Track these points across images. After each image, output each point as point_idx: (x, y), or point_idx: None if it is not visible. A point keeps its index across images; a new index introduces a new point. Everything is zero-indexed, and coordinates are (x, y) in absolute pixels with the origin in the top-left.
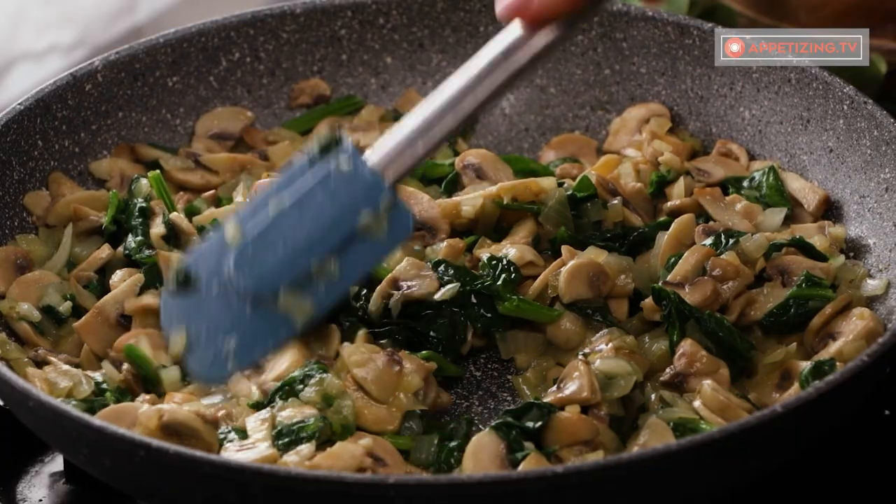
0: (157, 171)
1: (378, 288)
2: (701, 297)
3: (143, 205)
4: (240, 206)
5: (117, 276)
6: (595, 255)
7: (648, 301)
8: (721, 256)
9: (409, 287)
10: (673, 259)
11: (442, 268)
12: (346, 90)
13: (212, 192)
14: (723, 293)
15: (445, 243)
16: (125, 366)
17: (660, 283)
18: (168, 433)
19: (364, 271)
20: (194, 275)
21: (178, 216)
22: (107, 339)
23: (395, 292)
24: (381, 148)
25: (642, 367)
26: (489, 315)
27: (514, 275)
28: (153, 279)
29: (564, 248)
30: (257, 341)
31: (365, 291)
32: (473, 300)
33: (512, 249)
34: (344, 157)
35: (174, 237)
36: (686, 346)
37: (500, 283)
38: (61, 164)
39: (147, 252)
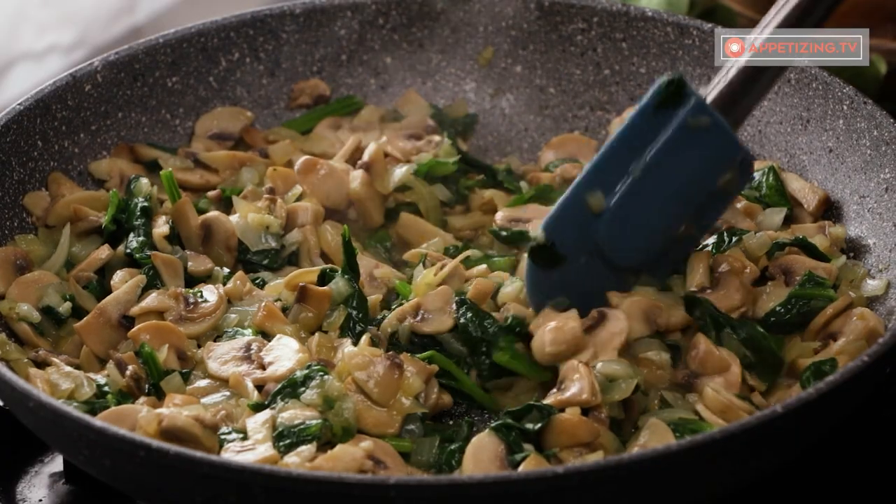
0: (170, 170)
1: (399, 309)
2: (728, 303)
3: (145, 204)
4: (586, 167)
5: (118, 276)
6: (644, 292)
7: None
8: (725, 254)
9: (422, 318)
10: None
11: (463, 309)
12: (345, 90)
13: (216, 191)
14: (753, 292)
15: (475, 284)
16: (129, 368)
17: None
18: (167, 438)
19: (712, 223)
20: (557, 244)
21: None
22: (108, 341)
23: (410, 320)
24: (721, 84)
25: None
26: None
27: (518, 328)
28: (155, 280)
29: (610, 294)
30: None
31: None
32: (483, 348)
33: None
34: (697, 110)
35: (177, 237)
36: (701, 346)
37: (502, 333)
38: (61, 164)
39: (149, 252)
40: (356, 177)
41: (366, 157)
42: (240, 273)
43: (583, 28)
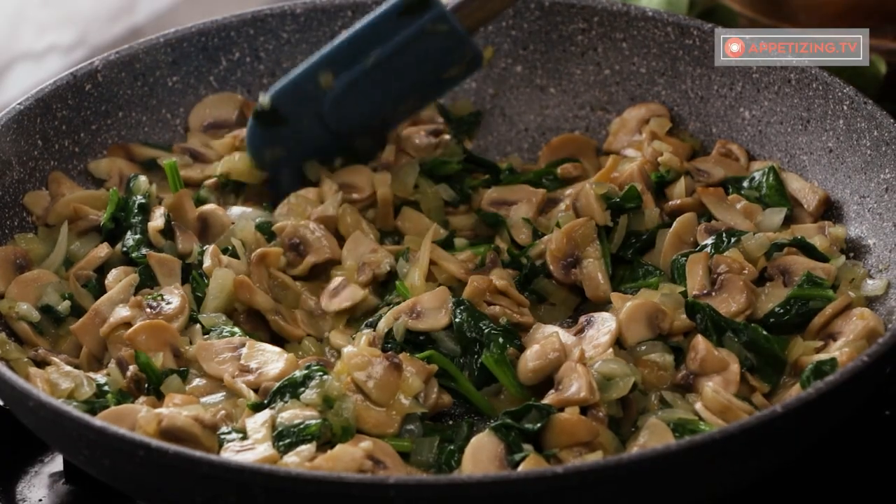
0: (174, 159)
1: (396, 308)
2: (730, 307)
3: (143, 201)
4: (324, 49)
5: (112, 275)
6: (648, 294)
7: None
8: (724, 254)
9: (417, 316)
10: (675, 259)
11: (459, 308)
12: None
13: (213, 179)
14: (757, 292)
15: (470, 280)
16: (131, 368)
17: (690, 297)
18: (167, 438)
19: (434, 99)
20: (280, 109)
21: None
22: (105, 341)
23: (405, 317)
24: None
25: (662, 382)
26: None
27: (515, 339)
28: (149, 279)
29: (614, 296)
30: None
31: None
32: (476, 348)
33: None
34: (438, 18)
35: (171, 231)
36: (700, 347)
37: (496, 335)
38: (61, 163)
39: (145, 251)
40: (381, 181)
41: (383, 158)
42: (213, 248)
43: (583, 28)
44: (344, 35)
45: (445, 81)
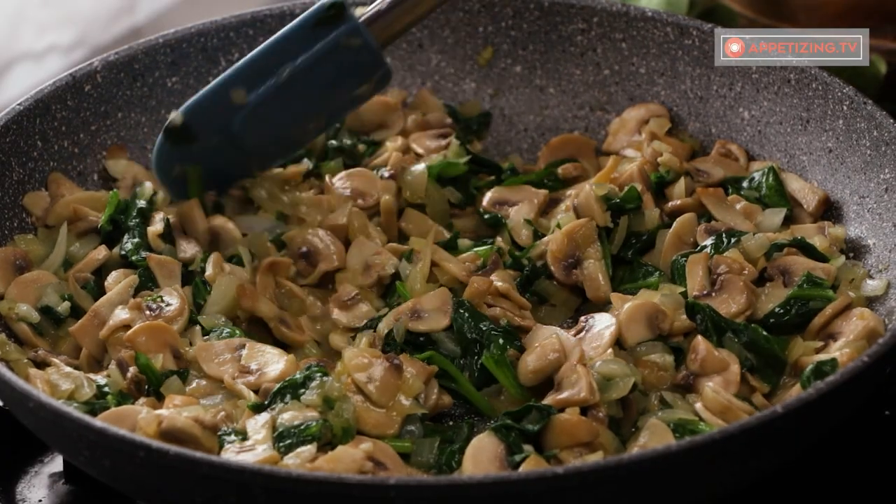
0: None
1: (396, 309)
2: (730, 308)
3: (144, 205)
4: (237, 64)
5: (112, 277)
6: (648, 295)
7: None
8: (724, 255)
9: (418, 317)
10: (675, 259)
11: (460, 310)
12: None
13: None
14: (757, 293)
15: (471, 281)
16: (131, 369)
17: (691, 297)
18: (167, 439)
19: (344, 117)
20: (192, 127)
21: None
22: (104, 343)
23: (406, 318)
24: (374, 9)
25: (662, 382)
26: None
27: (515, 340)
28: (149, 280)
29: (614, 296)
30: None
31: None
32: (476, 349)
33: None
34: (351, 32)
35: (170, 235)
36: (701, 348)
37: (496, 336)
38: (61, 164)
39: (144, 254)
40: (387, 187)
41: (391, 165)
42: (216, 255)
43: (583, 28)
44: (256, 49)
45: (356, 99)
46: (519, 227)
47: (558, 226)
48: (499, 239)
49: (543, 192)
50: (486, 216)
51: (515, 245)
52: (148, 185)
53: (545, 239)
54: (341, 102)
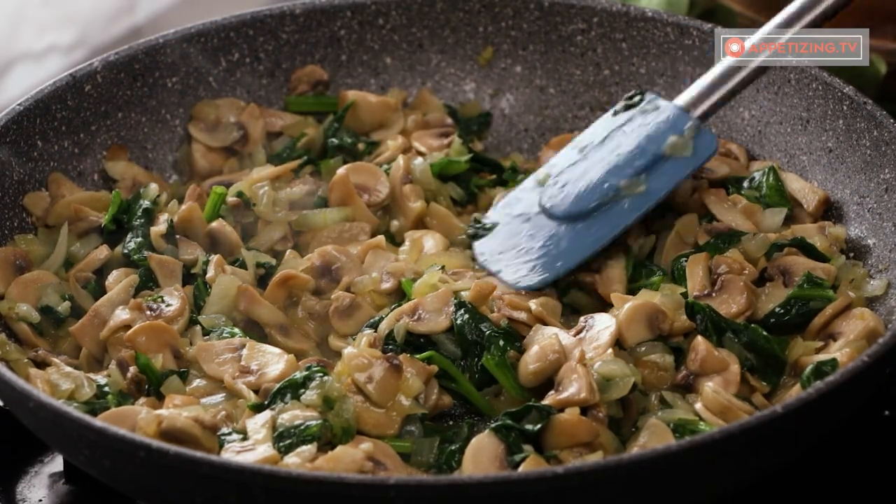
0: (224, 188)
1: (398, 309)
2: (730, 308)
3: (148, 206)
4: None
5: (113, 276)
6: (648, 295)
7: None
8: (724, 255)
9: (419, 318)
10: (675, 259)
11: (462, 311)
12: (346, 90)
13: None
14: (757, 293)
15: (474, 286)
16: (131, 369)
17: (691, 297)
18: (167, 439)
19: (670, 185)
20: (496, 221)
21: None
22: (104, 343)
23: (407, 319)
24: (687, 92)
25: (662, 382)
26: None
27: (515, 341)
28: (149, 280)
29: (614, 296)
30: (565, 256)
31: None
32: (477, 351)
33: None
34: (649, 99)
35: (173, 236)
36: (701, 348)
37: (497, 337)
38: (61, 164)
39: (146, 254)
40: (410, 193)
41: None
42: (217, 257)
43: (583, 28)
44: (563, 151)
45: (670, 158)
46: None
47: None
48: None
49: None
50: (470, 231)
51: None
52: (153, 186)
53: None
54: (650, 159)
